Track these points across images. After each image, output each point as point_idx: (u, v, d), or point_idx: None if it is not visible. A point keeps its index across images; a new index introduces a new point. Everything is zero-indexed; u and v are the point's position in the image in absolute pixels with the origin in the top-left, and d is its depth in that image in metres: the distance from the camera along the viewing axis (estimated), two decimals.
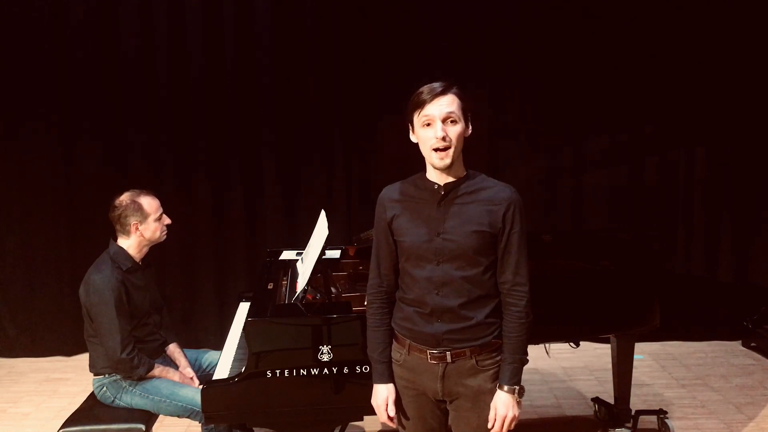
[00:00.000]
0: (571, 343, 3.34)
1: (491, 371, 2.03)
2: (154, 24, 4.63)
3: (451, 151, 1.95)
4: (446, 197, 2.01)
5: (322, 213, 2.87)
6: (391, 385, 2.12)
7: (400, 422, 2.14)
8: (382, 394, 2.11)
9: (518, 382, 2.01)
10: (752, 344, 4.82)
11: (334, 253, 3.42)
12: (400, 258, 2.08)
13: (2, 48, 4.61)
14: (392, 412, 2.10)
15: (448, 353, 2.01)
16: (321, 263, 2.72)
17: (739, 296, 4.94)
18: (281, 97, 4.74)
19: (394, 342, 2.13)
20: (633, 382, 3.37)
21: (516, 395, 2.00)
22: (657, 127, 4.87)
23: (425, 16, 4.73)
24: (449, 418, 2.14)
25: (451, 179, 2.02)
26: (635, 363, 3.35)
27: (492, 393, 2.03)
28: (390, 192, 2.12)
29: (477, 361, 2.02)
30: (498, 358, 2.04)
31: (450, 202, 2.01)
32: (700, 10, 4.72)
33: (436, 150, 1.95)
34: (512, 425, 2.01)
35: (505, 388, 2.00)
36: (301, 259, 3.16)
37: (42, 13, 4.57)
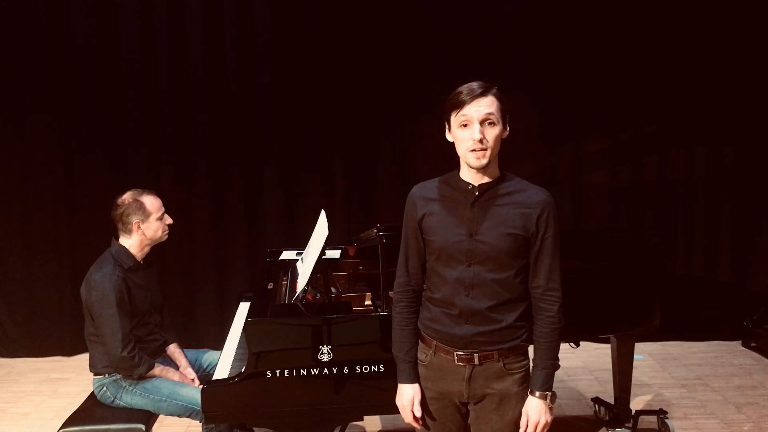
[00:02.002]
0: (571, 343, 3.34)
1: (518, 375, 2.02)
2: (155, 26, 4.63)
3: (488, 153, 1.92)
4: (480, 198, 1.98)
5: (322, 213, 2.87)
6: (416, 385, 2.08)
7: (424, 423, 2.11)
8: (408, 394, 2.08)
9: (550, 387, 2.00)
10: (752, 344, 4.82)
11: (334, 253, 3.42)
12: (429, 257, 2.05)
13: (2, 48, 4.61)
14: (418, 413, 2.07)
15: (475, 355, 1.99)
16: (321, 263, 2.72)
17: (739, 296, 4.94)
18: (282, 97, 4.74)
19: (419, 342, 2.10)
20: (633, 382, 3.37)
21: (548, 401, 1.99)
22: (657, 127, 4.87)
23: (426, 18, 4.73)
24: (470, 418, 2.11)
25: (485, 180, 1.99)
26: (635, 363, 3.35)
27: (518, 397, 2.01)
28: (421, 190, 2.07)
29: (504, 364, 2.00)
30: (525, 362, 2.03)
31: (484, 204, 1.98)
32: (700, 10, 4.72)
33: (473, 150, 1.91)
34: (545, 431, 2.00)
35: (537, 393, 1.99)
36: (301, 259, 3.16)
37: (42, 15, 4.57)
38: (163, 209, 2.95)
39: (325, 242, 2.61)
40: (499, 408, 2.02)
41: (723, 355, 4.73)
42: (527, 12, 4.73)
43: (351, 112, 4.78)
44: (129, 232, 2.89)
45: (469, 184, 1.99)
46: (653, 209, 4.93)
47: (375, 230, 2.77)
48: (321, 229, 2.78)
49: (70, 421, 2.74)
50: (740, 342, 4.92)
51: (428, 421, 2.10)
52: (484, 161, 1.92)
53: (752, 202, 4.91)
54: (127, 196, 2.89)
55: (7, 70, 4.62)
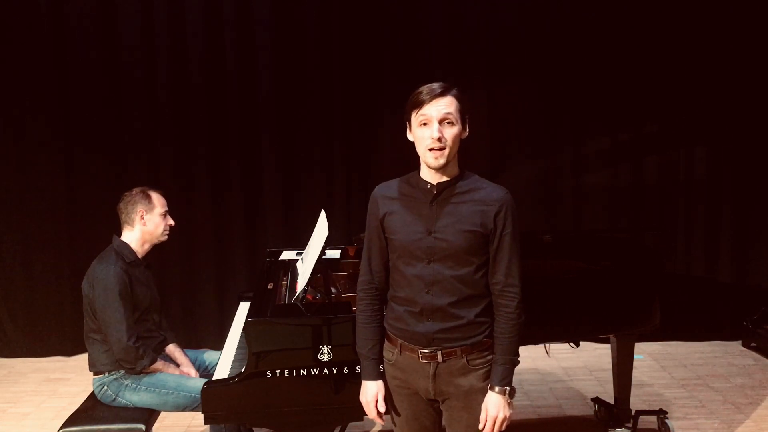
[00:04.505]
0: (571, 343, 3.34)
1: (482, 370, 2.04)
2: (155, 25, 4.63)
3: (446, 152, 1.96)
4: (439, 196, 2.02)
5: (322, 213, 2.88)
6: (380, 382, 2.13)
7: (391, 419, 2.14)
8: (372, 391, 2.12)
9: (509, 383, 2.02)
10: (752, 344, 4.82)
11: (334, 253, 3.42)
12: (391, 255, 2.09)
13: (2, 49, 4.61)
14: (382, 408, 2.11)
15: (438, 352, 2.02)
16: (321, 263, 2.73)
17: (739, 296, 4.94)
18: (281, 96, 4.74)
19: (386, 342, 2.13)
20: (633, 382, 3.37)
21: (507, 396, 2.01)
22: (657, 127, 4.87)
23: (426, 17, 4.73)
24: (443, 417, 2.14)
25: (444, 179, 2.02)
26: (635, 363, 3.35)
27: (483, 392, 2.03)
28: (383, 189, 2.14)
29: (468, 360, 2.03)
30: (489, 357, 2.05)
31: (443, 202, 2.02)
32: (700, 10, 4.72)
33: (431, 150, 1.96)
34: (503, 426, 2.02)
35: (496, 389, 2.00)
36: (301, 259, 3.16)
37: (42, 15, 4.57)
38: (167, 208, 3.02)
39: (325, 242, 2.61)
40: (467, 405, 2.05)
41: (723, 355, 4.73)
42: (527, 11, 4.73)
43: (351, 112, 4.78)
44: (132, 223, 2.93)
45: (428, 182, 2.04)
46: (653, 209, 4.93)
47: None
48: (321, 229, 2.78)
49: (70, 421, 2.74)
50: (740, 342, 4.92)
51: (402, 418, 2.13)
52: (442, 161, 1.97)
53: (752, 202, 4.91)
54: (135, 189, 2.99)
55: (7, 70, 4.61)
